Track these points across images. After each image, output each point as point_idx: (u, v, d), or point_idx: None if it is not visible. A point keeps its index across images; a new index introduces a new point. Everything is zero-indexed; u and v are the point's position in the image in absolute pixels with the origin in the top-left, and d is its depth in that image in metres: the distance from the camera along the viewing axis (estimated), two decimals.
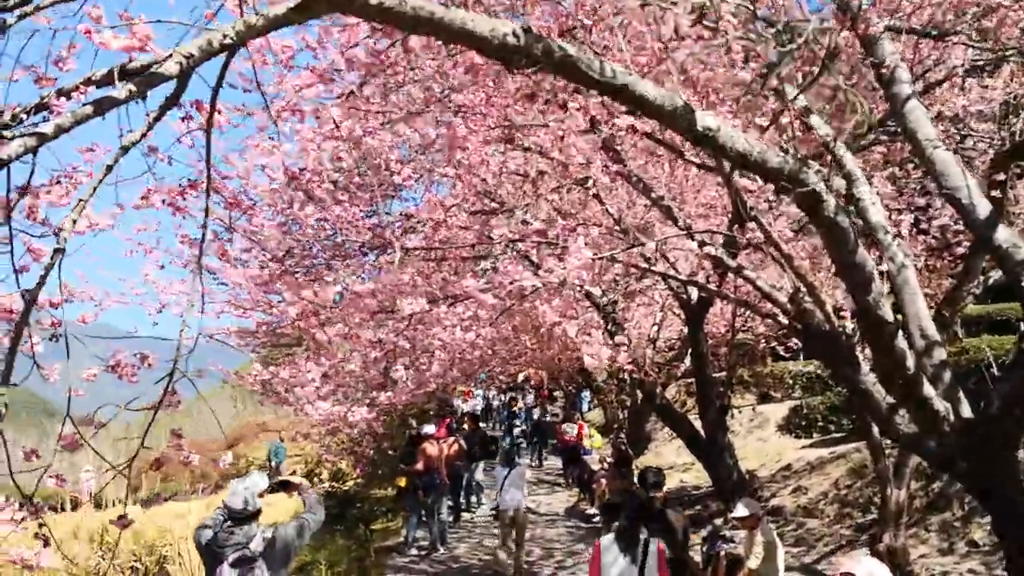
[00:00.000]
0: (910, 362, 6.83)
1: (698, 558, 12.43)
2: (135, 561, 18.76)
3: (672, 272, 9.84)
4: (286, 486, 7.69)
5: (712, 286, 9.08)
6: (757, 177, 7.24)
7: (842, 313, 8.44)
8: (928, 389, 6.95)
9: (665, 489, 11.40)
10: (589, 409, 36.90)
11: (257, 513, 6.73)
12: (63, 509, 31.07)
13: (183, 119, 4.04)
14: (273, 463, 35.60)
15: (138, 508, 30.86)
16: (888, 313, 6.61)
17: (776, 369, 26.96)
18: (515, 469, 15.59)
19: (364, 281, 8.62)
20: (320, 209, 9.14)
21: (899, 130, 10.33)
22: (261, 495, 6.73)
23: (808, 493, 16.90)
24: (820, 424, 21.80)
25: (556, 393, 44.66)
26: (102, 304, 8.11)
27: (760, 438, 24.62)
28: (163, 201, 4.53)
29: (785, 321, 8.50)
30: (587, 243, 7.01)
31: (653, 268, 8.77)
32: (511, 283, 7.11)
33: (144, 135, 3.38)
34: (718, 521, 16.80)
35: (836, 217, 5.87)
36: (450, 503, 19.24)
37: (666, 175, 12.79)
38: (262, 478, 6.92)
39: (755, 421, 25.62)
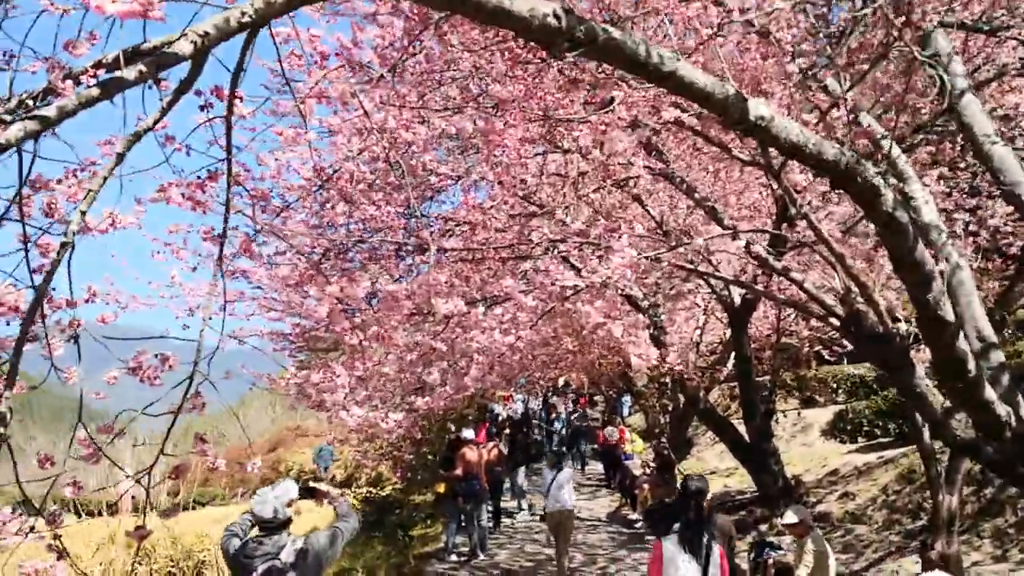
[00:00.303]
0: (971, 364, 6.52)
1: (745, 566, 12.13)
2: (172, 567, 18.71)
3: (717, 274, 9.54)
4: (312, 493, 7.33)
5: (760, 287, 8.77)
6: (808, 174, 6.95)
7: (896, 314, 8.14)
8: (989, 392, 6.65)
9: (709, 495, 11.09)
10: (630, 414, 36.50)
11: (287, 522, 6.44)
12: (100, 514, 31.14)
13: (202, 107, 3.81)
14: (321, 467, 35.25)
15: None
16: (949, 313, 6.31)
17: (820, 373, 26.51)
18: (562, 472, 15.42)
19: (400, 283, 8.39)
20: (354, 209, 8.94)
21: (948, 129, 10.04)
22: (290, 504, 6.43)
23: (856, 499, 16.50)
24: (866, 429, 21.38)
25: (596, 398, 44.28)
26: (128, 306, 7.93)
27: (804, 443, 24.22)
28: (183, 195, 4.29)
29: (836, 323, 8.20)
30: (630, 243, 6.74)
31: (699, 269, 8.48)
32: (552, 283, 6.87)
33: (157, 121, 3.16)
34: (763, 527, 16.45)
35: (894, 212, 5.57)
36: (490, 509, 18.96)
37: (709, 176, 12.52)
38: (293, 486, 6.62)
39: (799, 426, 25.22)
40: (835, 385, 26.26)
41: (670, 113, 5.93)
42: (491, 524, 18.86)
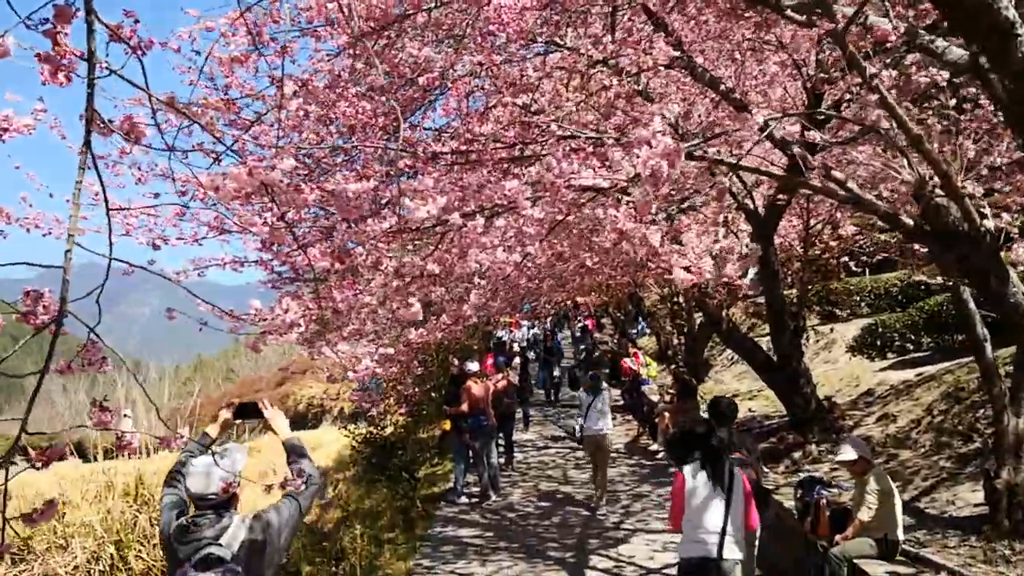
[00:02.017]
0: None
1: (789, 503, 10.88)
2: None
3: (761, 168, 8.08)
4: (249, 412, 5.48)
5: (817, 183, 7.30)
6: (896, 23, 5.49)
7: (982, 209, 6.75)
8: None
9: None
10: (640, 335, 35.20)
11: (232, 500, 4.83)
12: (95, 459, 30.24)
13: None
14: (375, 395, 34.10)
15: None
16: None
17: (847, 285, 25.00)
18: (599, 395, 15.23)
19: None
20: (326, 110, 7.48)
21: None
22: (226, 490, 4.77)
23: (897, 421, 15.12)
24: (897, 343, 19.92)
25: (603, 320, 43.12)
26: (52, 232, 6.47)
27: (827, 360, 22.89)
28: (38, 55, 2.82)
29: (908, 221, 6.80)
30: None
31: (742, 165, 7.04)
32: (566, 184, 5.45)
33: None
34: (796, 454, 15.25)
35: None
36: (502, 443, 17.71)
37: (732, 68, 11.10)
38: (242, 453, 5.01)
39: (821, 342, 23.88)
40: (858, 298, 24.86)
41: None
42: (503, 461, 17.62)
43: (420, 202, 3.48)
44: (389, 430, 17.47)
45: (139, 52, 2.83)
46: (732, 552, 7.35)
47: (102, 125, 3.00)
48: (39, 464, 3.01)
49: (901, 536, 8.70)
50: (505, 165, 7.82)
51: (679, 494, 7.64)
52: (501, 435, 17.67)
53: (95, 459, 30.26)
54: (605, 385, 15.90)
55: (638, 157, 5.03)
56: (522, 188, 5.26)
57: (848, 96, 9.70)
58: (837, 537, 8.83)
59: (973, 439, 12.98)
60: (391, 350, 7.70)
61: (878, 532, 8.55)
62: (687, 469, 7.71)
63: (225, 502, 4.72)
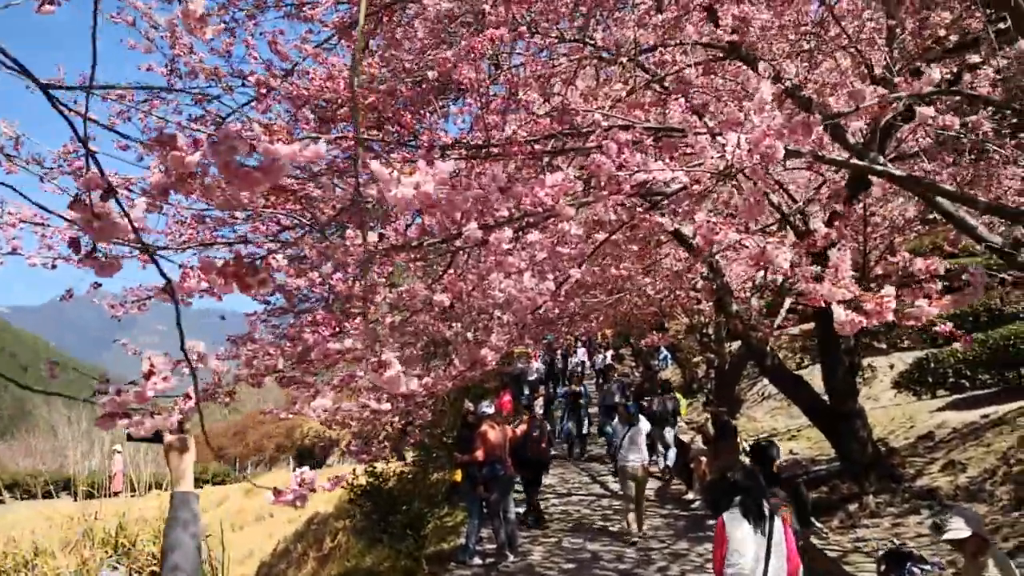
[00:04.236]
0: None
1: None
2: (154, 564, 16.67)
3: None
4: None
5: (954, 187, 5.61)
6: None
7: None
8: None
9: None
10: (665, 367, 33.33)
11: None
12: (75, 497, 29.19)
13: None
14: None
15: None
16: None
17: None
18: (635, 427, 14.94)
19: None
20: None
21: None
22: None
23: (966, 470, 13.29)
24: (952, 380, 18.07)
25: (622, 351, 41.32)
26: None
27: (868, 396, 20.94)
28: None
29: None
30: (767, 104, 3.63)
31: (853, 163, 5.37)
32: (629, 177, 3.78)
33: None
34: (852, 507, 13.48)
35: None
36: (521, 493, 15.96)
37: (795, 63, 9.48)
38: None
39: (859, 377, 21.96)
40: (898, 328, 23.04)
41: None
42: (524, 513, 15.85)
43: (402, 175, 1.87)
44: (392, 482, 15.52)
45: None
46: None
47: None
48: None
49: None
50: (537, 164, 6.14)
51: (721, 541, 7.32)
52: (531, 485, 16.25)
53: (75, 498, 29.25)
54: (641, 417, 15.40)
55: (730, 144, 3.40)
56: (568, 185, 3.59)
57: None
58: None
59: None
60: (387, 405, 5.92)
61: None
62: (727, 516, 7.38)
63: None
